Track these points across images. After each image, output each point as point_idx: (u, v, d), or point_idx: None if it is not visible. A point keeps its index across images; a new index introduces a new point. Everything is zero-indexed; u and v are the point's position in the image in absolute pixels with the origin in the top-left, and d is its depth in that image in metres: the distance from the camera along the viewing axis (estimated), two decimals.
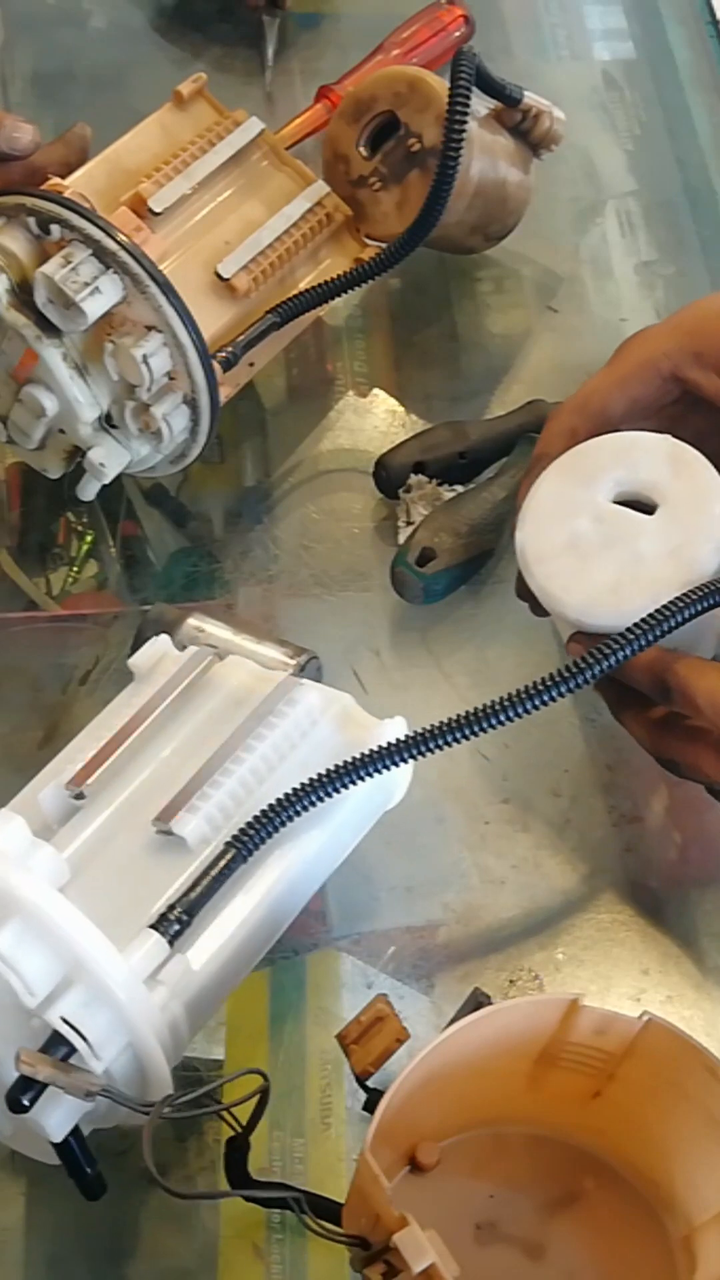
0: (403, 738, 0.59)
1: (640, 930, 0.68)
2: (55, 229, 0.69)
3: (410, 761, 0.59)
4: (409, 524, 0.78)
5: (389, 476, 0.79)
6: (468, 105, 0.74)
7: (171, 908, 0.55)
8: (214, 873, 0.56)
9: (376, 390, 0.86)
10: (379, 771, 0.58)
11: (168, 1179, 0.57)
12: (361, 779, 0.58)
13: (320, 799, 0.58)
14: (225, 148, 0.77)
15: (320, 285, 0.77)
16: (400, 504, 0.79)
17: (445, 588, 0.77)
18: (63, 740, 0.64)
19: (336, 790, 0.58)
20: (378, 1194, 0.49)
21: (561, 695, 0.58)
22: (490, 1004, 0.62)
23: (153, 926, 0.54)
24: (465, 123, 0.74)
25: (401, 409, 0.86)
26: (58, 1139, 0.52)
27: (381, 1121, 0.51)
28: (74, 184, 0.72)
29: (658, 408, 0.68)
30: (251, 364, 0.77)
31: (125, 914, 0.55)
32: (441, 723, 0.59)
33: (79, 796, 0.60)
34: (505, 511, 0.77)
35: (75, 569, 0.79)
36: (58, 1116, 0.52)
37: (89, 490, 0.76)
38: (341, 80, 0.91)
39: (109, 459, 0.73)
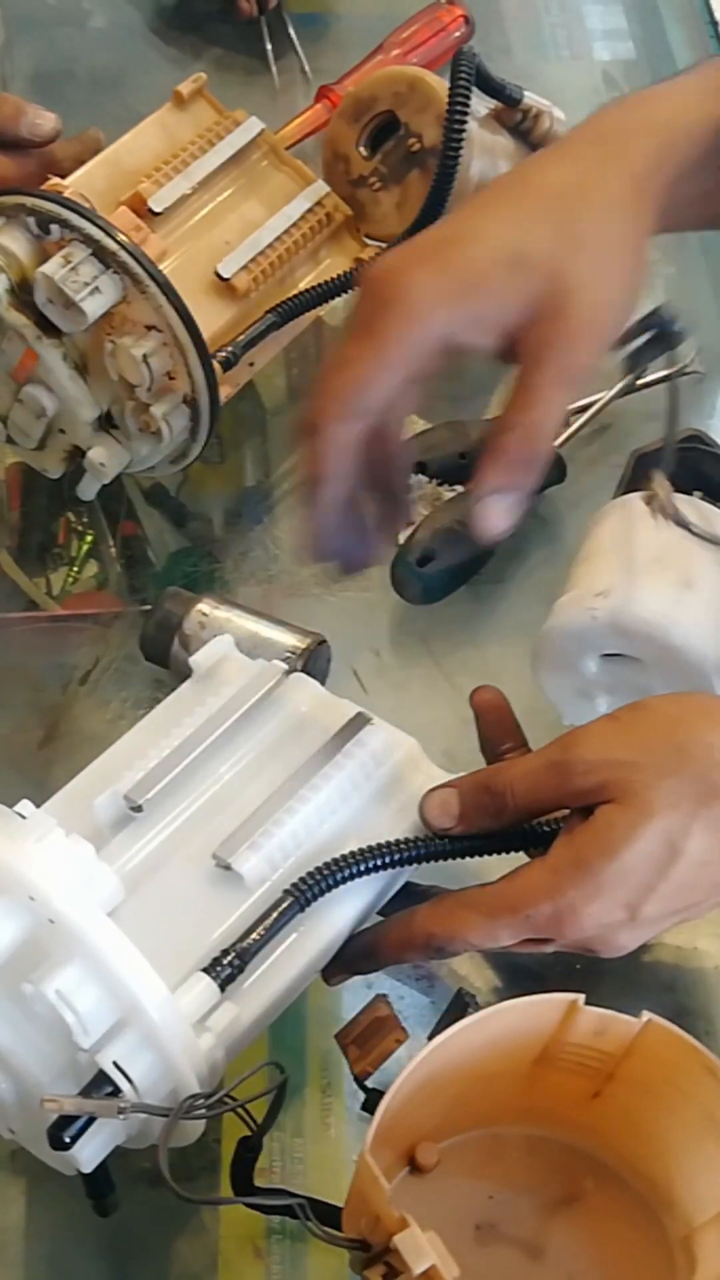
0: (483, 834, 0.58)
1: None
2: (55, 229, 0.69)
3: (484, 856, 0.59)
4: (409, 524, 0.78)
5: None
6: (467, 105, 0.74)
7: (225, 953, 0.54)
8: (269, 922, 0.55)
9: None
10: (454, 857, 0.59)
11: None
12: (436, 858, 0.58)
13: (389, 866, 0.57)
14: (225, 147, 0.77)
15: (320, 285, 0.77)
16: None
17: (445, 588, 0.77)
18: (63, 740, 0.64)
19: (407, 862, 0.58)
20: (377, 1195, 0.49)
21: None
22: (474, 1002, 0.62)
23: (205, 970, 0.54)
24: (465, 123, 0.74)
25: None
26: (88, 1170, 0.53)
27: (381, 1122, 0.51)
28: (74, 184, 0.72)
29: (425, 379, 0.59)
30: (251, 364, 0.77)
31: (175, 945, 0.54)
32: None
33: (136, 809, 0.59)
34: None
35: (75, 569, 0.79)
36: (91, 1149, 0.52)
37: (89, 490, 0.76)
38: (341, 80, 0.91)
39: (109, 459, 0.73)
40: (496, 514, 0.58)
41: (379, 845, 0.57)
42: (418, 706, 0.73)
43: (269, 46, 0.98)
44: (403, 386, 0.58)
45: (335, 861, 0.56)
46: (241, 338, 0.74)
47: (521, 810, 0.57)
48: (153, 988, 0.50)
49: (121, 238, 0.68)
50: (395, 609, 0.77)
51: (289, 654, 0.68)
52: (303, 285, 0.78)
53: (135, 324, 0.70)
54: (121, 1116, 0.50)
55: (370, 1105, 0.58)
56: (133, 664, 0.75)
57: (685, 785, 0.54)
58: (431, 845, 0.58)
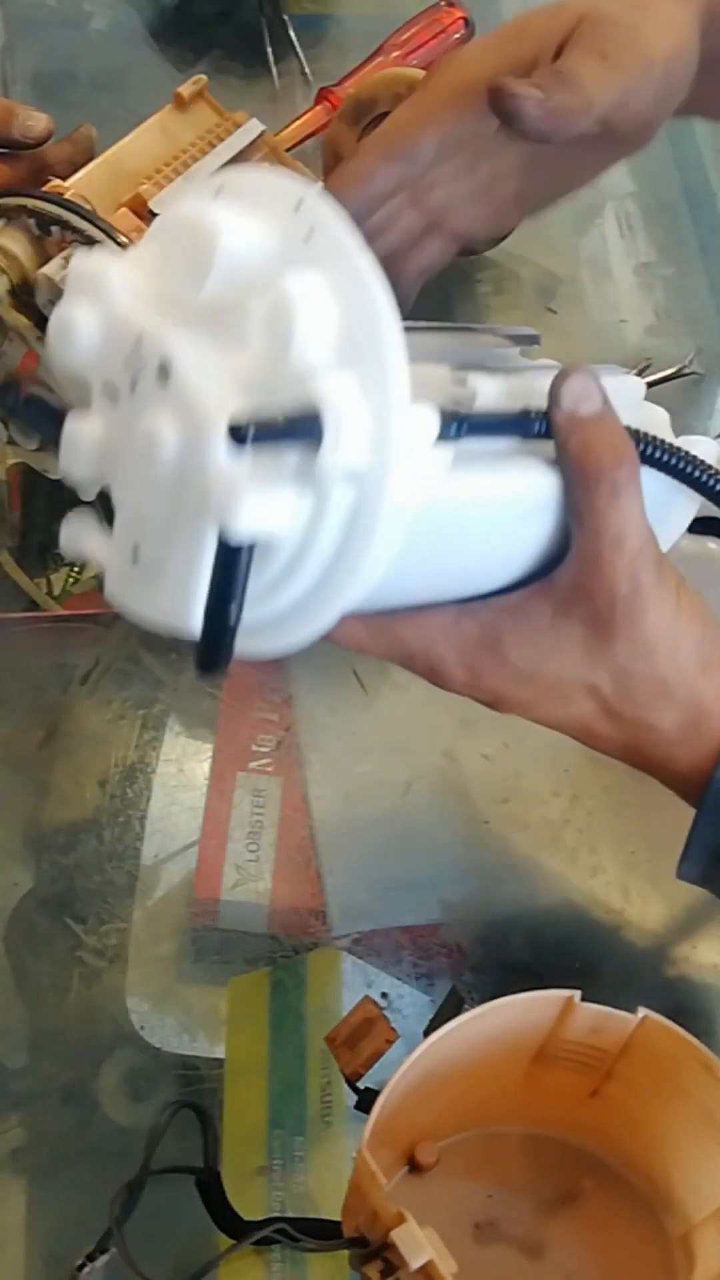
0: None
1: (639, 929, 0.68)
2: (56, 230, 0.69)
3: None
4: None
5: None
6: None
7: (458, 412, 0.45)
8: (508, 416, 0.48)
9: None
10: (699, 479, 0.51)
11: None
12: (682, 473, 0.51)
13: (692, 480, 0.51)
14: (225, 149, 0.77)
15: None
16: None
17: None
18: (63, 740, 0.64)
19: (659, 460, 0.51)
20: (375, 1191, 0.49)
21: None
22: (470, 998, 0.62)
23: (442, 410, 0.44)
24: None
25: None
26: (239, 533, 0.40)
27: (379, 1120, 0.51)
28: (75, 185, 0.72)
29: (472, 140, 0.61)
30: None
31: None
32: None
33: None
34: None
35: (76, 569, 0.79)
36: (257, 500, 0.40)
37: (89, 491, 0.76)
38: (342, 82, 0.91)
39: None
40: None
41: (680, 450, 0.51)
42: (418, 706, 0.74)
43: (269, 48, 0.98)
44: (445, 142, 0.59)
45: (660, 440, 0.50)
46: None
47: (585, 522, 0.50)
48: (396, 334, 0.41)
49: (123, 239, 0.68)
50: None
51: None
52: None
53: None
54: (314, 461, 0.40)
55: (364, 1105, 0.58)
56: (133, 664, 0.75)
57: (635, 690, 0.52)
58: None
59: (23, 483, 0.81)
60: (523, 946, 0.68)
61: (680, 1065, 0.55)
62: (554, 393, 0.49)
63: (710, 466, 0.51)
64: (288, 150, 0.81)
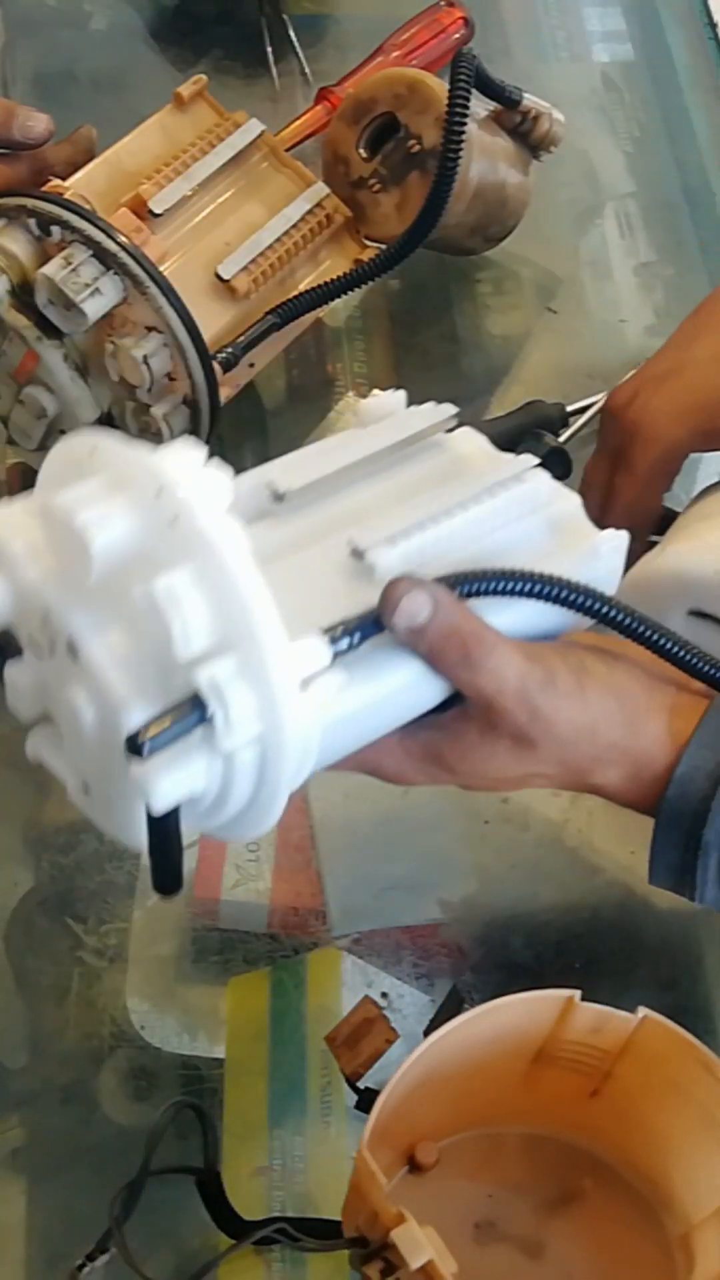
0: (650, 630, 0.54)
1: (639, 928, 0.69)
2: (56, 230, 0.69)
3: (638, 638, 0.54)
4: None
5: None
6: (467, 107, 0.74)
7: (345, 623, 0.50)
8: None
9: (376, 391, 0.86)
10: (603, 613, 0.54)
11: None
12: (585, 609, 0.54)
13: (528, 593, 0.53)
14: (225, 149, 0.77)
15: (320, 286, 0.77)
16: None
17: None
18: None
19: (556, 599, 0.54)
20: (375, 1191, 0.49)
21: None
22: (470, 998, 0.62)
23: (325, 632, 0.49)
24: (465, 124, 0.74)
25: None
26: (159, 810, 0.46)
27: (379, 1120, 0.51)
28: (75, 185, 0.72)
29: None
30: (251, 365, 0.77)
31: (295, 619, 0.47)
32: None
33: (279, 498, 0.55)
34: None
35: None
36: (167, 783, 0.45)
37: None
38: (342, 82, 0.91)
39: None
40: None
41: (537, 573, 0.53)
42: None
43: (269, 48, 0.98)
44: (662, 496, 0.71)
45: (476, 572, 0.53)
46: (241, 339, 0.74)
47: (458, 682, 0.54)
48: (266, 609, 0.45)
49: (122, 239, 0.68)
50: None
51: None
52: (303, 286, 0.78)
53: (136, 325, 0.70)
54: (203, 739, 0.45)
55: (364, 1105, 0.58)
56: None
57: (567, 774, 0.57)
58: (580, 599, 0.54)
59: (22, 482, 0.81)
60: (523, 946, 0.68)
61: (680, 1065, 0.55)
62: (384, 612, 0.52)
63: (555, 580, 0.54)
64: (287, 150, 0.81)
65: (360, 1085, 0.59)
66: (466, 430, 0.61)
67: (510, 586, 0.53)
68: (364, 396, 0.85)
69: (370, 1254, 0.50)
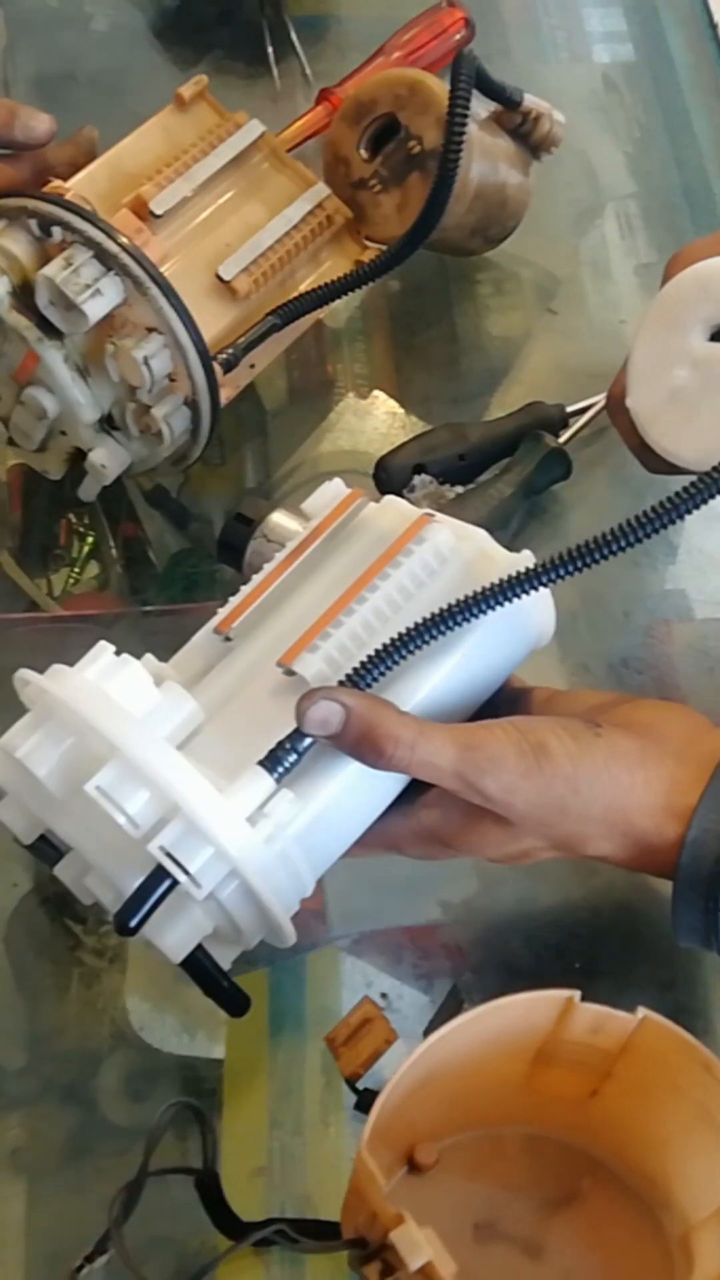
0: (516, 573, 0.56)
1: (639, 928, 0.68)
2: (57, 231, 0.69)
3: (518, 598, 0.56)
4: None
5: (389, 478, 0.79)
6: (468, 108, 0.74)
7: (281, 744, 0.55)
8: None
9: (376, 392, 0.87)
10: (486, 610, 0.56)
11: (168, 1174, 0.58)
12: (470, 617, 0.56)
13: (430, 638, 0.56)
14: (226, 150, 0.77)
15: (321, 287, 0.77)
16: None
17: None
18: None
19: (445, 629, 0.56)
20: (374, 1192, 0.49)
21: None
22: (470, 998, 0.62)
23: (261, 763, 0.54)
24: (465, 125, 0.74)
25: (401, 411, 0.86)
26: (177, 959, 0.54)
27: (378, 1120, 0.51)
28: (75, 186, 0.72)
29: None
30: (252, 366, 0.77)
31: (251, 756, 0.55)
32: (559, 554, 0.56)
33: (227, 639, 0.61)
34: (513, 509, 0.77)
35: (76, 570, 0.79)
36: (174, 936, 0.54)
37: (90, 491, 0.76)
38: (342, 83, 0.91)
39: (110, 460, 0.74)
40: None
41: (419, 622, 0.56)
42: None
43: (270, 49, 0.98)
44: None
45: (383, 646, 0.56)
46: (242, 340, 0.74)
47: (403, 769, 0.56)
48: (181, 776, 0.52)
49: (123, 240, 0.68)
50: None
51: None
52: (303, 287, 0.78)
53: (136, 326, 0.70)
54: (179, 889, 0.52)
55: (363, 1106, 0.58)
56: None
57: (557, 836, 0.59)
58: (461, 613, 0.57)
59: (23, 483, 0.81)
60: (522, 947, 0.68)
61: (680, 1065, 0.55)
62: (300, 723, 0.55)
63: (433, 618, 0.56)
64: (288, 151, 0.81)
65: (360, 1086, 0.59)
66: (388, 500, 0.64)
67: (400, 654, 0.56)
68: (364, 398, 0.86)
69: (369, 1255, 0.50)
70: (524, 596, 0.56)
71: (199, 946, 0.55)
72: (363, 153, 0.82)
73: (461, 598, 0.57)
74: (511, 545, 0.76)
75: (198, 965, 0.55)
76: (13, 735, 0.55)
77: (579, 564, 0.56)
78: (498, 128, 0.83)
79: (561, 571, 0.56)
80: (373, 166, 0.81)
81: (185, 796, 0.52)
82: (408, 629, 0.56)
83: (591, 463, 0.83)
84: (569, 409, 0.83)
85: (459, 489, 0.79)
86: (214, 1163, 0.58)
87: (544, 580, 0.56)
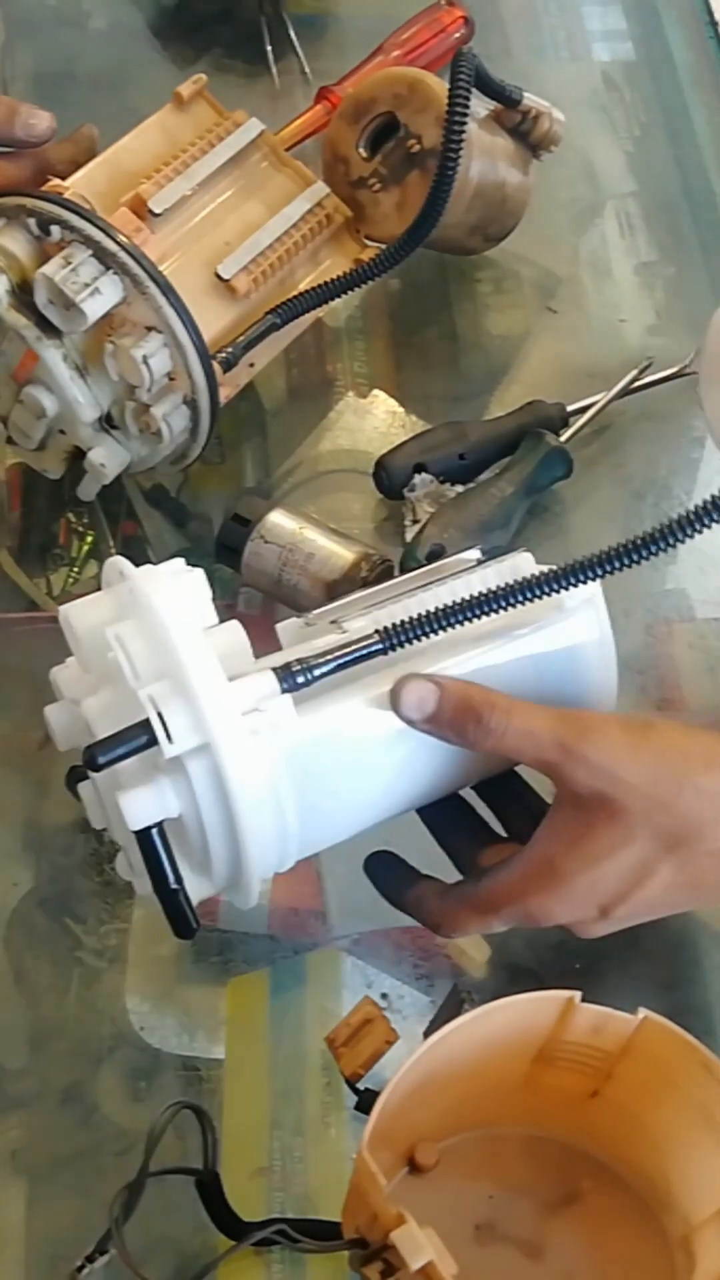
0: (555, 568, 0.56)
1: (639, 929, 0.68)
2: (55, 230, 0.69)
3: (560, 592, 0.57)
4: (415, 522, 0.78)
5: (389, 477, 0.79)
6: (467, 106, 0.74)
7: (299, 659, 0.56)
8: (351, 647, 0.56)
9: (376, 391, 0.86)
10: (531, 598, 0.56)
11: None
12: (510, 604, 0.56)
13: (469, 618, 0.56)
14: (225, 149, 0.77)
15: (320, 286, 0.77)
16: (406, 503, 0.79)
17: None
18: None
19: (487, 611, 0.56)
20: (375, 1192, 0.49)
21: None
22: (471, 999, 0.62)
23: (274, 669, 0.55)
24: (465, 124, 0.74)
25: (401, 410, 0.86)
26: (135, 825, 0.54)
27: (379, 1121, 0.51)
28: (74, 185, 0.72)
29: None
30: (252, 364, 0.77)
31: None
32: (595, 554, 0.56)
33: (309, 624, 0.61)
34: (514, 508, 0.77)
35: (76, 569, 0.79)
36: (138, 802, 0.53)
37: (89, 490, 0.76)
38: (342, 81, 0.91)
39: (109, 459, 0.73)
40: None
41: (469, 599, 0.56)
42: None
43: (269, 48, 0.98)
44: None
45: (423, 614, 0.57)
46: (241, 339, 0.74)
47: (498, 752, 0.57)
48: (198, 650, 0.54)
49: (122, 239, 0.68)
50: None
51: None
52: (303, 286, 0.78)
53: (135, 325, 0.70)
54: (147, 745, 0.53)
55: (364, 1106, 0.58)
56: None
57: (671, 822, 0.56)
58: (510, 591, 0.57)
59: (23, 483, 0.81)
60: (523, 948, 0.68)
61: (680, 1066, 0.55)
62: (397, 707, 0.56)
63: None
64: (287, 149, 0.81)
65: (360, 1086, 0.59)
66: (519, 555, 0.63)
67: (436, 624, 0.56)
68: (363, 397, 0.86)
69: (370, 1255, 0.50)
70: (570, 589, 0.56)
71: (161, 835, 0.54)
72: (362, 151, 0.81)
73: (503, 584, 0.57)
74: (511, 545, 0.77)
75: (150, 845, 0.54)
76: (70, 607, 0.57)
77: (630, 558, 0.56)
78: (497, 126, 0.83)
79: (611, 566, 0.56)
80: (372, 165, 0.81)
81: (186, 660, 0.53)
82: (456, 602, 0.57)
83: (591, 462, 0.83)
84: (569, 408, 0.82)
85: (459, 488, 0.79)
86: (214, 1163, 0.58)
87: (597, 572, 0.56)
